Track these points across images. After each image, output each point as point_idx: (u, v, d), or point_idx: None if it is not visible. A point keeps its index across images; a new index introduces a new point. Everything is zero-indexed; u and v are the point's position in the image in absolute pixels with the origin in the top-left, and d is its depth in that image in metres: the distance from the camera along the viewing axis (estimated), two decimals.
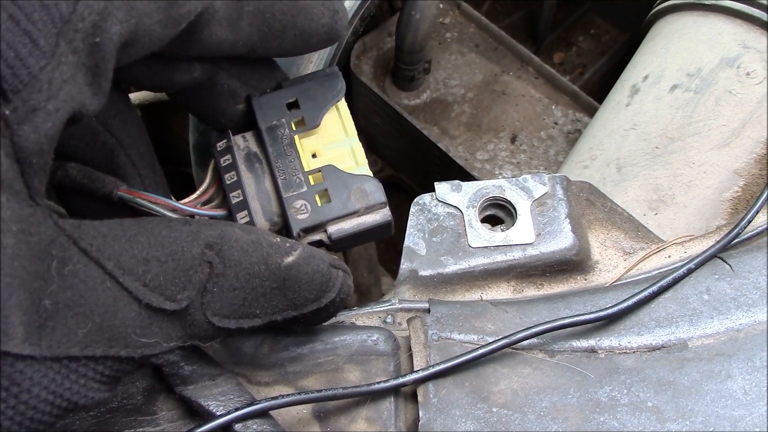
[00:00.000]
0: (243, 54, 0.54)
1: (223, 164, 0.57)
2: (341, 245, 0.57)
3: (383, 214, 0.58)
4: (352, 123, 0.60)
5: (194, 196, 0.57)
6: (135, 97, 1.20)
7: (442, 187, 0.69)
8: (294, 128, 0.58)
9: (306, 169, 0.57)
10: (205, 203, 0.58)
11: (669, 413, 0.54)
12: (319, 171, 0.57)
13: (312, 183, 0.57)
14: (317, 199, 0.56)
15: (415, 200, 0.69)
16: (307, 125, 0.58)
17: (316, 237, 0.56)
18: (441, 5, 1.45)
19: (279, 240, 0.50)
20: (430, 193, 0.69)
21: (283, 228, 0.57)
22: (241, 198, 0.56)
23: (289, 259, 0.49)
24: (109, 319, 0.43)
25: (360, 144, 0.59)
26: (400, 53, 1.30)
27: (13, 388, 0.39)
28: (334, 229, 0.56)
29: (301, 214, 0.56)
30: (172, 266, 0.45)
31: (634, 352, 0.57)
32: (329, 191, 0.56)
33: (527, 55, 1.41)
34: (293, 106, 0.59)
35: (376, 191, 0.57)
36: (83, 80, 0.41)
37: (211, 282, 0.46)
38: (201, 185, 0.58)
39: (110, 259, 0.43)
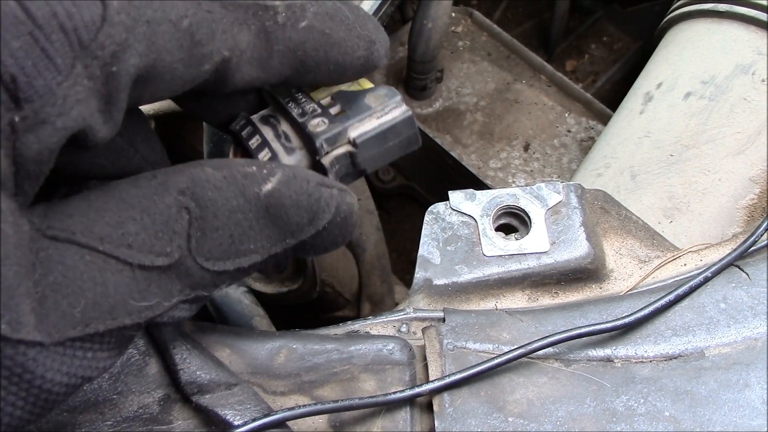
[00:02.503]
0: (276, 86, 0.54)
1: (245, 134, 0.57)
2: (369, 151, 0.56)
3: (402, 110, 0.56)
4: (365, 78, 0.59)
5: None
6: (147, 108, 1.20)
7: (455, 196, 0.69)
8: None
9: (317, 99, 0.56)
10: None
11: (686, 423, 0.53)
12: (330, 97, 0.56)
13: (326, 106, 0.56)
14: (333, 114, 0.55)
15: (429, 209, 0.69)
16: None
17: (341, 149, 0.55)
18: (453, 14, 1.45)
19: (255, 168, 0.48)
20: (444, 202, 0.69)
21: (309, 156, 0.55)
22: (260, 140, 0.55)
23: (268, 186, 0.47)
24: (102, 291, 0.42)
25: (366, 79, 0.59)
26: (412, 62, 1.30)
27: (27, 375, 0.40)
28: (356, 133, 0.55)
29: (319, 128, 0.54)
30: (149, 222, 0.44)
31: (650, 362, 0.57)
32: (343, 107, 0.56)
33: (539, 63, 1.41)
34: None
35: (389, 91, 0.56)
36: (96, 106, 0.42)
37: (193, 227, 0.45)
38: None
39: (83, 234, 0.43)
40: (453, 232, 0.68)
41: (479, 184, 1.29)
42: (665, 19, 1.05)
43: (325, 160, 0.54)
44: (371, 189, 1.18)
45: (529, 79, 1.40)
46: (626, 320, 0.57)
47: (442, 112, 1.38)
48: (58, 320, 0.41)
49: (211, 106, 0.58)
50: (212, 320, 0.98)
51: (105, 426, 0.50)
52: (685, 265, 0.66)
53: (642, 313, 0.57)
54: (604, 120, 1.33)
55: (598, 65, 1.73)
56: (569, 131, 1.34)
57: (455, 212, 0.69)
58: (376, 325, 0.64)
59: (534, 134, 1.34)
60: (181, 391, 0.51)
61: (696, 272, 0.62)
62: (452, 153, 1.31)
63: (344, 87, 0.57)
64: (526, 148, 1.33)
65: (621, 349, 0.58)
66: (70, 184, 0.55)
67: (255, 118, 0.57)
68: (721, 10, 0.95)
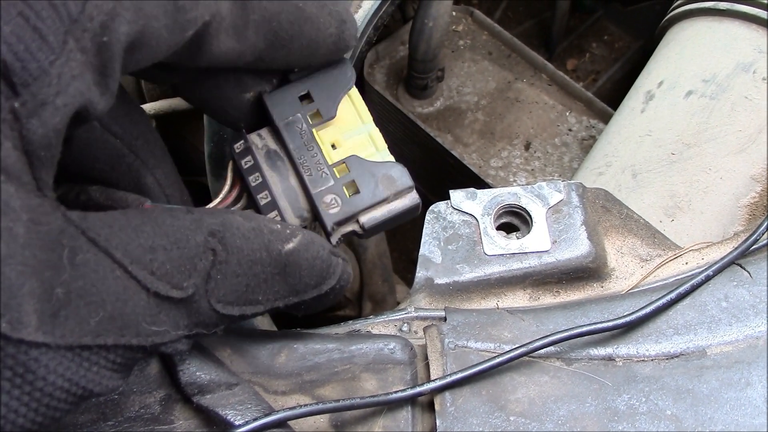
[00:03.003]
0: (250, 63, 0.54)
1: (245, 166, 0.57)
2: (373, 232, 0.58)
3: (412, 198, 0.58)
4: (367, 109, 0.60)
5: (218, 200, 0.57)
6: (149, 107, 1.20)
7: (456, 195, 0.69)
8: (311, 122, 0.58)
9: (330, 162, 0.57)
10: (228, 207, 0.58)
11: (688, 422, 0.53)
12: (343, 162, 0.57)
13: (338, 176, 0.57)
14: (345, 191, 0.56)
15: (430, 208, 0.69)
16: (324, 117, 0.58)
17: (349, 228, 0.57)
18: (454, 13, 1.45)
19: (279, 226, 0.50)
20: (445, 201, 0.69)
21: (313, 222, 0.57)
22: (269, 198, 0.56)
23: (290, 245, 0.50)
24: (120, 308, 0.43)
25: (377, 129, 0.60)
26: (413, 61, 1.30)
27: (29, 375, 0.40)
28: (366, 218, 0.56)
29: (332, 208, 0.56)
30: (177, 254, 0.45)
31: (652, 360, 0.57)
32: (356, 182, 0.57)
33: (540, 62, 1.40)
34: (305, 97, 0.59)
35: (402, 176, 0.58)
36: (91, 79, 0.42)
37: (215, 269, 0.47)
38: (221, 190, 0.58)
39: (118, 249, 0.43)
40: (454, 231, 0.68)
41: (480, 184, 1.29)
42: (666, 18, 1.05)
43: (333, 238, 0.56)
44: None
45: (530, 78, 1.40)
46: (627, 319, 0.57)
47: (443, 111, 1.38)
48: (75, 325, 0.41)
49: (204, 88, 0.57)
50: None
51: (106, 426, 0.50)
52: (686, 263, 0.66)
53: (643, 312, 0.57)
54: (606, 119, 1.33)
55: (599, 64, 1.73)
56: (570, 130, 1.34)
57: (456, 211, 0.69)
58: (377, 325, 0.64)
59: (535, 133, 1.34)
60: (182, 392, 0.51)
61: (697, 271, 0.62)
62: (453, 152, 1.31)
63: (358, 144, 0.58)
64: (527, 147, 1.33)
65: (622, 348, 0.57)
66: (72, 185, 0.55)
67: (258, 148, 0.58)
68: (721, 8, 0.95)
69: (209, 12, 0.47)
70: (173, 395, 0.52)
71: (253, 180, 0.57)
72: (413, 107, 1.38)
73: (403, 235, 1.63)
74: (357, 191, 0.56)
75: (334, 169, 0.57)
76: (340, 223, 0.56)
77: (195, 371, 0.51)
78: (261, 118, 0.59)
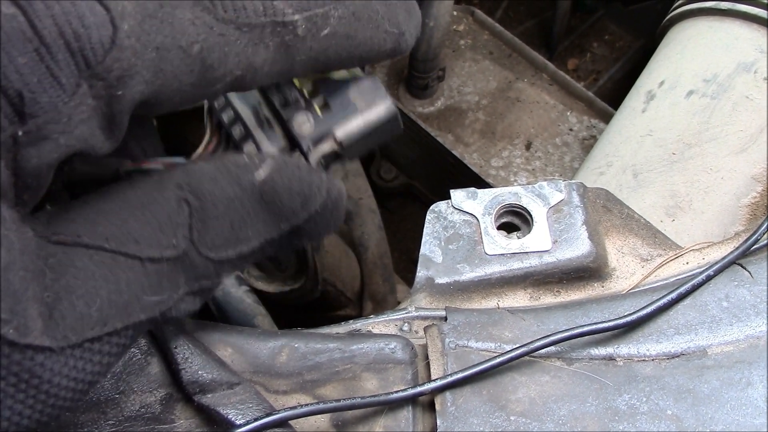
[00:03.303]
0: None
1: (218, 107, 0.57)
2: (354, 149, 0.56)
3: (387, 107, 0.56)
4: None
5: (199, 150, 0.57)
6: None
7: (457, 195, 0.69)
8: None
9: (299, 87, 0.56)
10: (212, 153, 0.57)
11: (689, 421, 0.53)
12: (313, 85, 0.56)
13: (309, 97, 0.56)
14: (318, 110, 0.55)
15: (430, 208, 0.69)
16: None
17: (327, 147, 0.55)
18: (455, 13, 1.45)
19: (246, 158, 0.49)
20: (446, 201, 0.69)
21: (292, 151, 0.56)
22: (243, 132, 0.55)
23: (260, 172, 0.48)
24: (115, 289, 0.43)
25: None
26: (414, 61, 1.30)
27: (33, 380, 0.40)
28: (341, 133, 0.55)
29: (305, 126, 0.55)
30: (151, 216, 0.45)
31: (652, 360, 0.57)
32: (327, 100, 0.56)
33: (541, 61, 1.40)
34: None
35: (374, 86, 0.56)
36: (98, 124, 0.42)
37: (194, 219, 0.46)
38: (203, 140, 0.58)
39: (88, 236, 0.43)
40: (455, 230, 0.68)
41: (481, 183, 1.29)
42: (667, 18, 1.05)
43: (311, 158, 0.55)
44: (373, 188, 1.18)
45: (530, 77, 1.40)
46: (628, 319, 0.57)
47: (443, 111, 1.38)
48: (75, 322, 0.41)
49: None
50: (214, 319, 0.98)
51: (107, 425, 0.50)
52: (687, 263, 0.66)
53: (644, 312, 0.57)
54: (606, 118, 1.33)
55: (599, 64, 1.73)
56: (571, 130, 1.34)
57: (457, 211, 0.69)
58: (377, 324, 0.64)
59: (536, 133, 1.34)
60: (183, 391, 0.51)
61: (698, 270, 0.62)
62: (454, 152, 1.31)
63: (330, 73, 0.57)
64: (528, 146, 1.33)
65: (623, 348, 0.57)
66: (70, 193, 0.55)
67: (236, 101, 0.57)
68: (723, 8, 0.95)
69: (240, 68, 0.47)
70: (174, 394, 0.52)
71: (226, 117, 0.56)
72: (414, 107, 1.38)
73: (404, 234, 1.63)
74: (329, 109, 0.55)
75: (305, 91, 0.56)
76: (316, 142, 0.55)
77: (197, 370, 0.51)
78: None
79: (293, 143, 0.55)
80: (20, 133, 0.39)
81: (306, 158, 0.55)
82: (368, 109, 0.56)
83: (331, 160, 0.56)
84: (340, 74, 0.57)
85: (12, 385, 0.39)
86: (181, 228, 0.46)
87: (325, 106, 0.55)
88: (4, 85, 0.38)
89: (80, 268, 0.42)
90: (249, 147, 0.55)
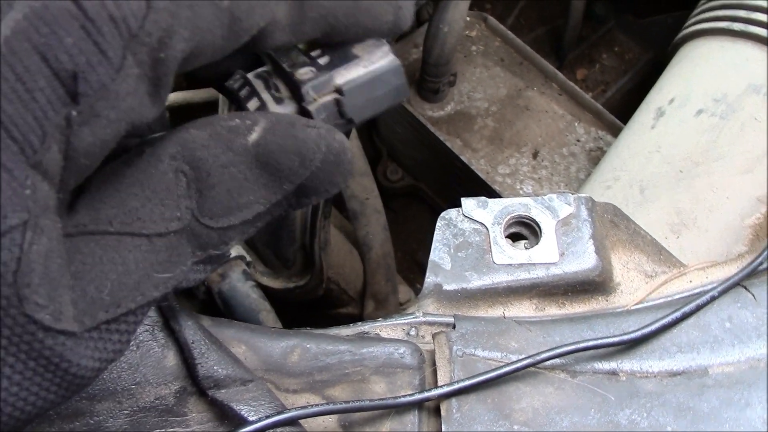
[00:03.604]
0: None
1: (233, 82, 0.57)
2: (356, 99, 0.56)
3: (389, 59, 0.56)
4: None
5: None
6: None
7: (468, 203, 0.70)
8: None
9: (303, 48, 0.57)
10: None
11: None
12: (320, 50, 0.56)
13: (314, 56, 0.56)
14: (319, 62, 0.55)
15: (441, 215, 0.70)
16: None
17: (328, 97, 0.55)
18: (467, 18, 1.46)
19: (238, 120, 0.48)
20: (457, 209, 0.70)
21: (298, 107, 0.55)
22: (249, 90, 0.55)
23: (253, 135, 0.47)
24: (124, 270, 0.43)
25: None
26: (426, 65, 1.31)
27: (63, 363, 0.41)
28: (342, 80, 0.55)
29: (307, 76, 0.54)
30: (150, 192, 0.45)
31: (654, 377, 0.58)
32: (331, 57, 0.56)
33: (552, 71, 1.41)
34: None
35: (376, 42, 0.56)
36: (144, 91, 0.42)
37: (191, 189, 0.46)
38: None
39: (88, 223, 0.43)
40: (464, 238, 0.69)
41: (487, 189, 1.30)
42: (680, 35, 1.06)
43: (312, 107, 0.54)
44: (379, 188, 1.19)
45: (540, 86, 1.41)
46: (633, 335, 0.58)
47: (453, 115, 1.39)
48: (88, 306, 0.42)
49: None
50: (221, 314, 0.99)
51: (122, 414, 0.51)
52: (690, 281, 0.67)
53: (649, 329, 0.58)
54: (614, 131, 1.34)
55: (608, 75, 1.74)
56: (578, 140, 1.35)
57: (467, 219, 0.70)
58: (385, 327, 0.65)
59: (543, 142, 1.35)
60: (197, 385, 0.52)
61: (702, 290, 0.64)
62: (462, 157, 1.32)
63: None
64: (535, 155, 1.34)
65: (626, 363, 0.59)
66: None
67: (251, 75, 0.58)
68: (735, 29, 0.96)
69: (265, 19, 0.48)
70: (188, 388, 0.53)
71: (234, 81, 0.56)
72: (424, 110, 1.39)
73: (408, 235, 1.64)
74: (330, 61, 0.55)
75: (311, 53, 0.56)
76: (316, 89, 0.54)
77: (212, 365, 0.52)
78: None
79: (297, 97, 0.55)
80: (74, 113, 0.39)
81: (307, 111, 0.54)
82: (369, 60, 0.56)
83: (334, 114, 0.55)
84: None
85: (42, 366, 0.40)
86: (183, 199, 0.45)
87: (328, 63, 0.55)
88: (56, 68, 0.39)
89: (87, 254, 0.42)
90: (252, 104, 0.55)
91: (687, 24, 1.06)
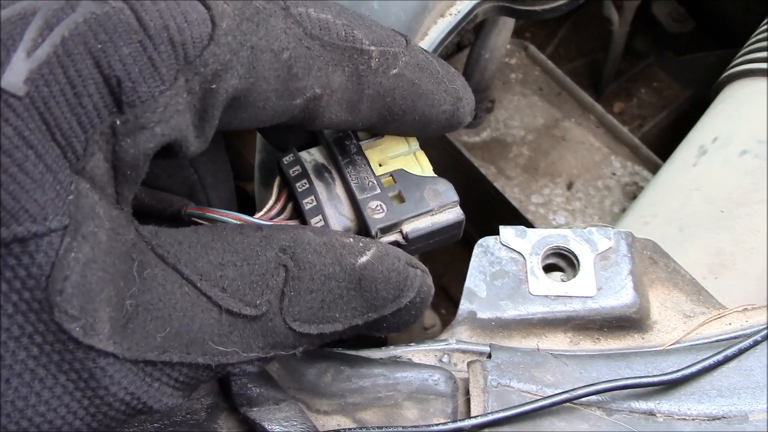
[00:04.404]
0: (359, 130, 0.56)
1: (293, 174, 0.58)
2: (416, 245, 0.57)
3: (456, 213, 0.58)
4: None
5: (263, 211, 0.58)
6: None
7: (506, 232, 0.70)
8: (360, 138, 0.59)
9: (377, 174, 0.58)
10: (272, 218, 0.58)
11: None
12: (390, 175, 0.58)
13: (385, 186, 0.57)
14: (391, 199, 0.57)
15: (478, 242, 0.69)
16: (372, 135, 0.59)
17: (392, 237, 0.56)
18: (508, 46, 1.46)
19: (352, 240, 0.50)
20: (494, 236, 0.70)
21: (358, 231, 0.57)
22: (314, 203, 0.56)
23: (363, 258, 0.49)
24: (187, 325, 0.43)
25: (422, 152, 0.60)
26: None
27: (92, 383, 0.40)
28: (409, 228, 0.56)
29: (377, 213, 0.56)
30: (248, 271, 0.45)
31: (693, 419, 0.57)
32: (402, 192, 0.57)
33: (590, 103, 1.41)
34: None
35: (448, 190, 0.58)
36: (191, 120, 0.43)
37: (288, 286, 0.46)
38: (267, 201, 0.59)
39: (187, 265, 0.44)
40: (501, 267, 0.68)
41: (519, 218, 1.30)
42: (725, 74, 1.05)
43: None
44: None
45: (578, 117, 1.40)
46: (673, 376, 0.57)
47: (489, 142, 1.38)
48: (141, 339, 0.41)
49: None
50: None
51: (152, 427, 0.51)
52: (730, 324, 0.66)
53: (690, 371, 0.57)
54: (650, 166, 1.33)
55: (645, 110, 1.72)
56: (614, 174, 1.34)
57: (504, 247, 0.69)
58: (417, 353, 0.65)
59: (578, 173, 1.34)
60: (229, 401, 0.52)
61: (742, 333, 0.62)
62: (495, 184, 1.31)
63: (404, 163, 0.58)
64: (570, 186, 1.33)
65: (665, 404, 0.57)
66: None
67: (307, 162, 0.58)
68: None
69: (319, 84, 0.48)
70: (220, 404, 0.53)
71: (300, 186, 0.57)
72: (459, 135, 1.38)
73: (434, 260, 1.63)
74: (402, 201, 0.57)
75: (381, 180, 0.57)
76: (384, 230, 0.56)
77: (246, 383, 0.51)
78: (310, 141, 0.60)
79: (360, 227, 0.56)
80: (118, 122, 0.40)
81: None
82: (439, 211, 0.57)
83: None
84: (414, 164, 0.58)
85: (72, 381, 0.40)
86: (270, 291, 0.46)
87: (398, 198, 0.57)
88: (107, 75, 0.39)
89: (168, 292, 0.42)
90: (317, 221, 0.56)
91: (733, 63, 1.05)
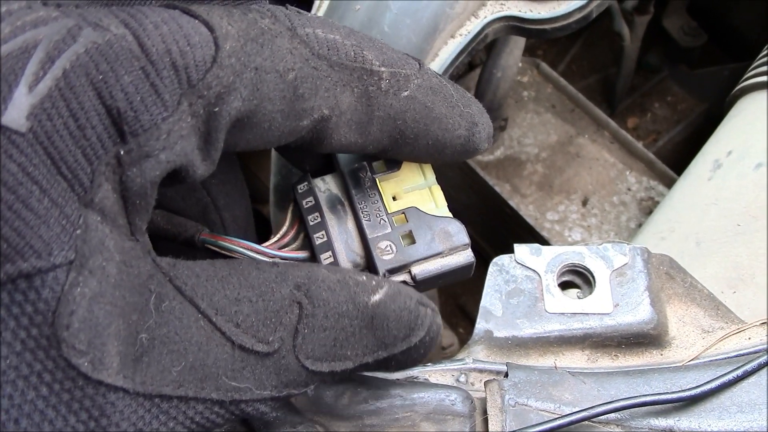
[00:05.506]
0: (371, 156, 0.55)
1: (306, 206, 0.58)
2: (424, 286, 0.57)
3: (466, 256, 0.58)
4: (430, 166, 0.60)
5: (275, 239, 0.58)
6: None
7: (521, 250, 0.70)
8: (375, 170, 0.59)
9: (389, 211, 0.57)
10: (284, 246, 0.59)
11: None
12: (402, 213, 0.57)
13: (396, 224, 0.57)
14: (401, 240, 0.57)
15: (493, 260, 0.69)
16: (388, 168, 0.59)
17: (401, 277, 0.56)
18: (520, 64, 1.46)
19: (365, 278, 0.49)
20: (509, 255, 0.69)
21: (366, 268, 0.57)
22: (324, 239, 0.56)
23: (376, 297, 0.48)
24: (202, 359, 0.43)
25: (438, 186, 0.60)
26: None
27: (102, 420, 0.39)
28: (418, 270, 0.56)
29: (386, 254, 0.56)
30: (262, 307, 0.45)
31: None
32: (413, 232, 0.57)
33: (604, 118, 1.41)
34: None
35: (459, 232, 0.58)
36: (196, 143, 0.43)
37: (302, 323, 0.46)
38: (280, 227, 0.59)
39: (203, 299, 0.43)
40: (516, 285, 0.68)
41: (535, 235, 1.29)
42: (738, 87, 1.05)
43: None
44: None
45: (592, 134, 1.40)
46: (693, 392, 0.56)
47: (503, 160, 1.39)
48: (156, 373, 0.41)
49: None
50: None
51: None
52: (749, 338, 0.65)
53: (709, 387, 0.57)
54: (666, 181, 1.32)
55: (660, 124, 1.72)
56: (629, 189, 1.34)
57: (520, 266, 0.69)
58: (434, 373, 0.64)
59: (593, 190, 1.34)
60: (246, 425, 0.52)
61: (762, 347, 0.62)
62: (510, 202, 1.31)
63: (418, 198, 0.58)
64: (585, 203, 1.33)
65: (684, 421, 0.57)
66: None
67: (321, 191, 0.59)
68: None
69: (327, 105, 0.48)
70: (237, 427, 0.52)
71: (312, 219, 0.57)
72: None
73: None
74: (413, 242, 0.57)
75: (393, 218, 0.57)
76: (392, 272, 0.56)
77: (268, 412, 0.51)
78: (326, 164, 0.60)
79: (369, 264, 0.57)
80: (122, 152, 0.39)
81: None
82: (450, 254, 0.57)
83: None
84: (430, 208, 0.58)
85: (81, 421, 0.39)
86: (283, 328, 0.46)
87: (409, 238, 0.57)
88: (109, 105, 0.39)
89: (184, 326, 0.42)
90: (326, 257, 0.56)
91: (746, 76, 1.05)
